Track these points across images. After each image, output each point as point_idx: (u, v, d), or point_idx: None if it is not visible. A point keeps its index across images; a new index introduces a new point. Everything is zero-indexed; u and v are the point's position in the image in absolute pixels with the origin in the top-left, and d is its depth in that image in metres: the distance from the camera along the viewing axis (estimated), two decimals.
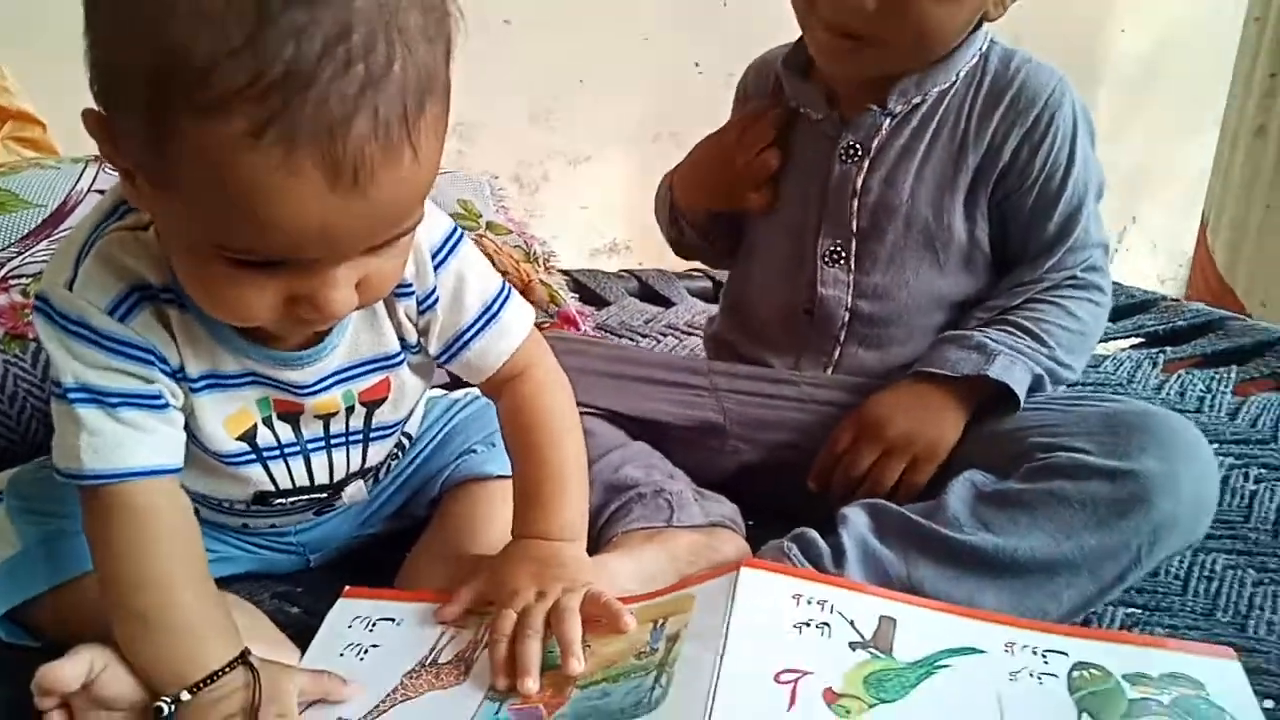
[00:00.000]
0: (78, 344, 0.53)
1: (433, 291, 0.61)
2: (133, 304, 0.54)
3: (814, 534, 0.68)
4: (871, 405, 0.78)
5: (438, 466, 0.74)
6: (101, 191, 0.92)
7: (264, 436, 0.61)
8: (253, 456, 0.62)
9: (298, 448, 0.63)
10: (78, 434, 0.53)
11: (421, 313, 0.62)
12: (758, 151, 0.83)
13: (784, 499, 0.80)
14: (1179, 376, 1.06)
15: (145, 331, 0.55)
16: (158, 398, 0.55)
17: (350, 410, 0.64)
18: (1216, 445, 0.92)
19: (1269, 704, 0.61)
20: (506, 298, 0.65)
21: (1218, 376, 1.05)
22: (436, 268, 0.61)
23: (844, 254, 0.82)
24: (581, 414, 0.75)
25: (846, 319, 0.83)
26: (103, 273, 0.54)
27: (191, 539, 0.57)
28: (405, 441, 0.73)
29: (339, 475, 0.66)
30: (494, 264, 1.05)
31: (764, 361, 0.87)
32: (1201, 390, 1.03)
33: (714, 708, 0.49)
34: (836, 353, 0.84)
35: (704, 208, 0.89)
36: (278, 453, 0.63)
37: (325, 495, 0.67)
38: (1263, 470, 0.88)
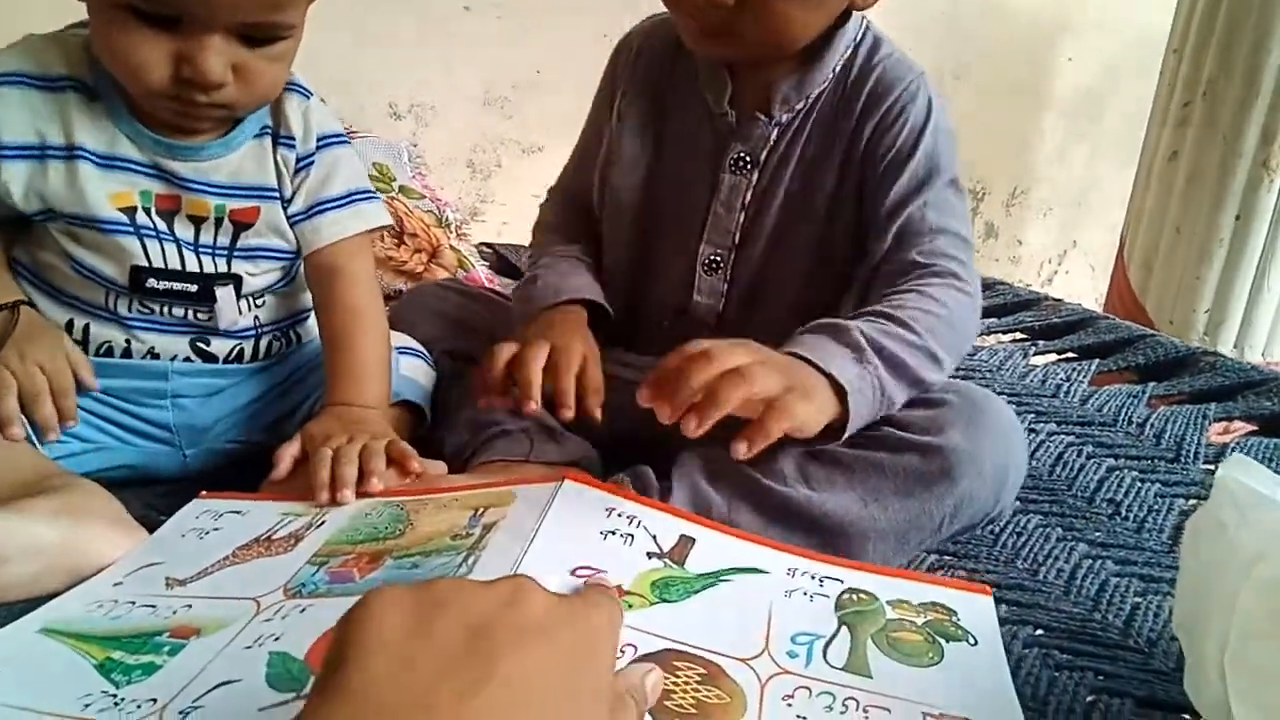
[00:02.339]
0: None
1: (310, 155, 0.76)
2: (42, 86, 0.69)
3: (648, 470, 0.71)
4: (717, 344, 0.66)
5: (307, 393, 0.80)
6: None
7: (142, 218, 0.72)
8: (130, 228, 0.72)
9: (171, 239, 0.73)
10: None
11: (296, 171, 0.76)
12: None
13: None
14: (1044, 367, 1.14)
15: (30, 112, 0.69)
16: None
17: (219, 222, 0.74)
18: (1062, 426, 1.00)
19: (1039, 632, 0.67)
20: (371, 197, 0.80)
21: (1078, 367, 1.13)
22: (319, 145, 0.77)
23: (722, 264, 0.83)
24: (453, 357, 0.83)
25: (714, 323, 0.85)
26: (21, 55, 0.70)
27: None
28: (292, 334, 0.81)
29: (207, 269, 0.75)
30: (404, 226, 1.13)
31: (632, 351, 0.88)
32: (1061, 379, 1.11)
33: None
34: None
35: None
36: (152, 233, 0.73)
37: (197, 291, 0.74)
38: (1095, 448, 0.95)
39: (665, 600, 0.56)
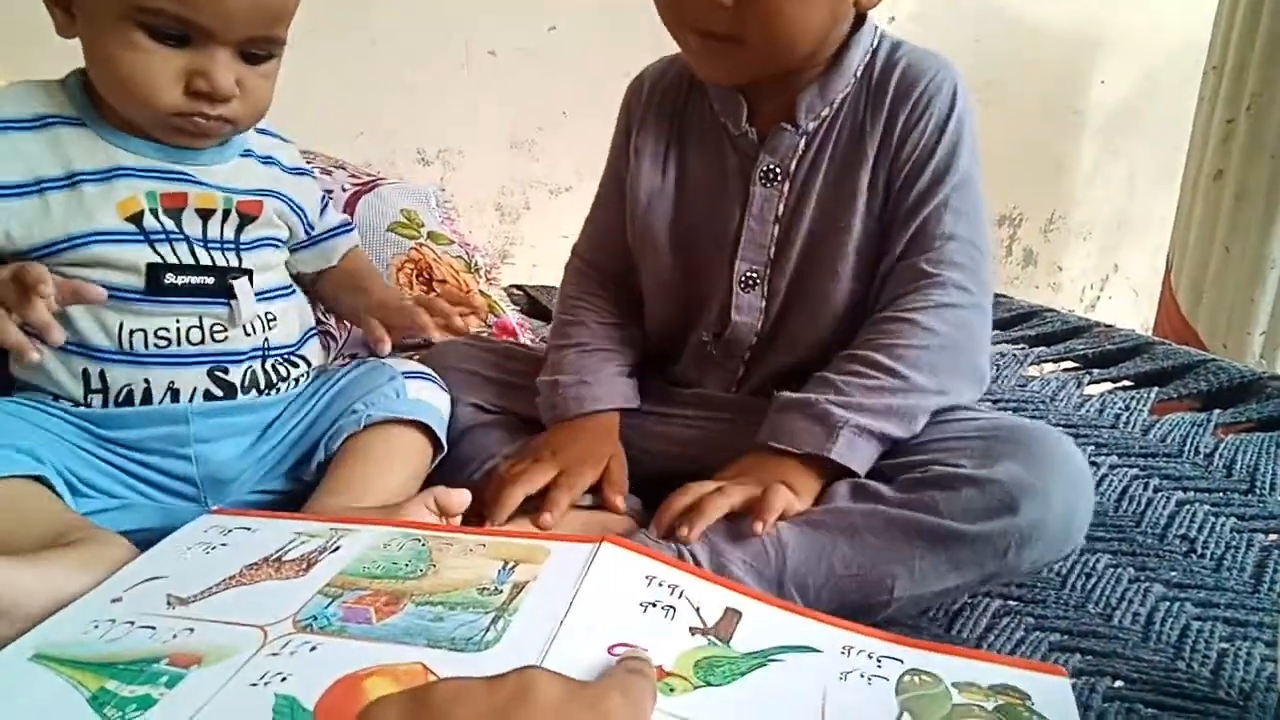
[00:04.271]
0: None
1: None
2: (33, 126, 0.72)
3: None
4: (709, 483, 0.71)
5: (323, 430, 0.79)
6: None
7: (150, 222, 0.74)
8: (139, 236, 0.73)
9: (181, 237, 0.75)
10: None
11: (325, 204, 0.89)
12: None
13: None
14: (1100, 396, 1.09)
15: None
16: None
17: (226, 215, 0.77)
18: (1124, 458, 0.95)
19: (1119, 683, 0.63)
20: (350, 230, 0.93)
21: (1137, 396, 1.08)
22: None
23: (759, 279, 0.82)
24: (481, 411, 0.85)
25: (754, 341, 0.83)
26: (8, 101, 0.73)
27: None
28: (296, 359, 0.82)
29: (220, 263, 0.77)
30: (433, 273, 1.11)
31: (669, 379, 0.88)
32: (1120, 408, 1.06)
33: (542, 665, 0.48)
34: (741, 371, 0.85)
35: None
36: (162, 236, 0.74)
37: (214, 284, 0.75)
38: (1162, 481, 0.90)
39: (709, 683, 0.52)
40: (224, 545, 0.62)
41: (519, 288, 1.46)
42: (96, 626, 0.54)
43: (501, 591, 0.55)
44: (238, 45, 0.70)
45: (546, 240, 2.00)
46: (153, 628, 0.53)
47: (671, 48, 0.81)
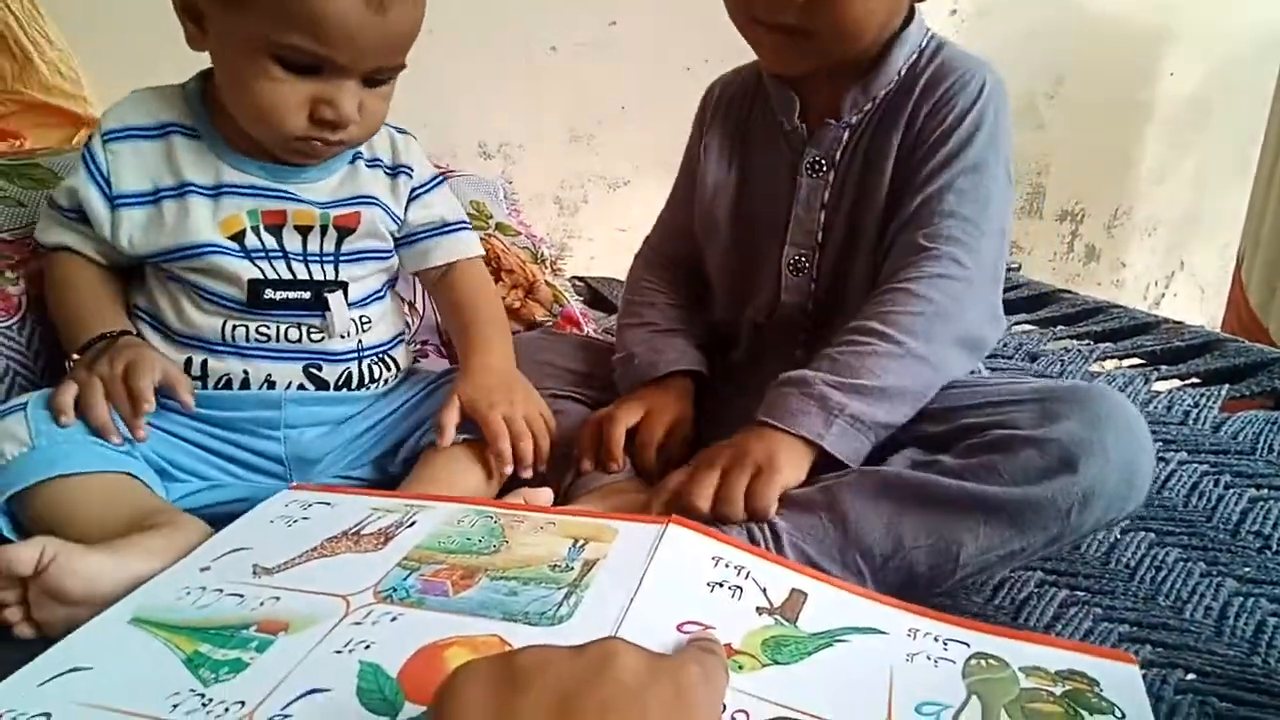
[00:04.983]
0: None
1: (429, 182, 0.86)
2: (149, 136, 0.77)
3: None
4: (708, 448, 0.75)
5: (410, 427, 0.82)
6: None
7: (251, 240, 0.77)
8: (241, 252, 0.77)
9: (280, 254, 0.78)
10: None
11: (417, 194, 0.85)
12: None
13: None
14: (1169, 393, 1.08)
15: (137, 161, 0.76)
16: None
17: (324, 230, 0.80)
18: (1194, 454, 0.94)
19: (1191, 676, 0.62)
20: (468, 227, 0.90)
21: (1207, 393, 1.06)
22: (437, 179, 0.88)
23: (807, 264, 0.86)
24: (559, 398, 0.87)
25: (804, 321, 0.87)
26: (127, 110, 0.78)
27: (101, 283, 0.80)
28: (389, 360, 0.85)
29: (317, 276, 0.80)
30: (501, 262, 1.13)
31: (730, 365, 0.91)
32: (1189, 405, 1.04)
33: None
34: (798, 353, 0.87)
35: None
36: (262, 254, 0.78)
37: (310, 298, 0.79)
38: (1234, 478, 0.88)
39: (777, 662, 0.52)
40: (305, 519, 0.65)
41: (580, 279, 1.47)
42: (189, 593, 0.56)
43: (573, 569, 0.57)
44: (364, 75, 0.73)
45: (605, 233, 2.02)
46: (241, 595, 0.55)
47: (728, 43, 0.84)
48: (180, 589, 0.57)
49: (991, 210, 0.79)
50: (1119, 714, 0.52)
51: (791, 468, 0.71)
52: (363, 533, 0.62)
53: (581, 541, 0.60)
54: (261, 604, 0.55)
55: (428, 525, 0.63)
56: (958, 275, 0.77)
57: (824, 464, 0.72)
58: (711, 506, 0.69)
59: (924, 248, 0.78)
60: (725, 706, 0.47)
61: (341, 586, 0.56)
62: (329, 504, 0.67)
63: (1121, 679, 0.54)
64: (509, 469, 0.77)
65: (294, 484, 0.72)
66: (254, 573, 0.58)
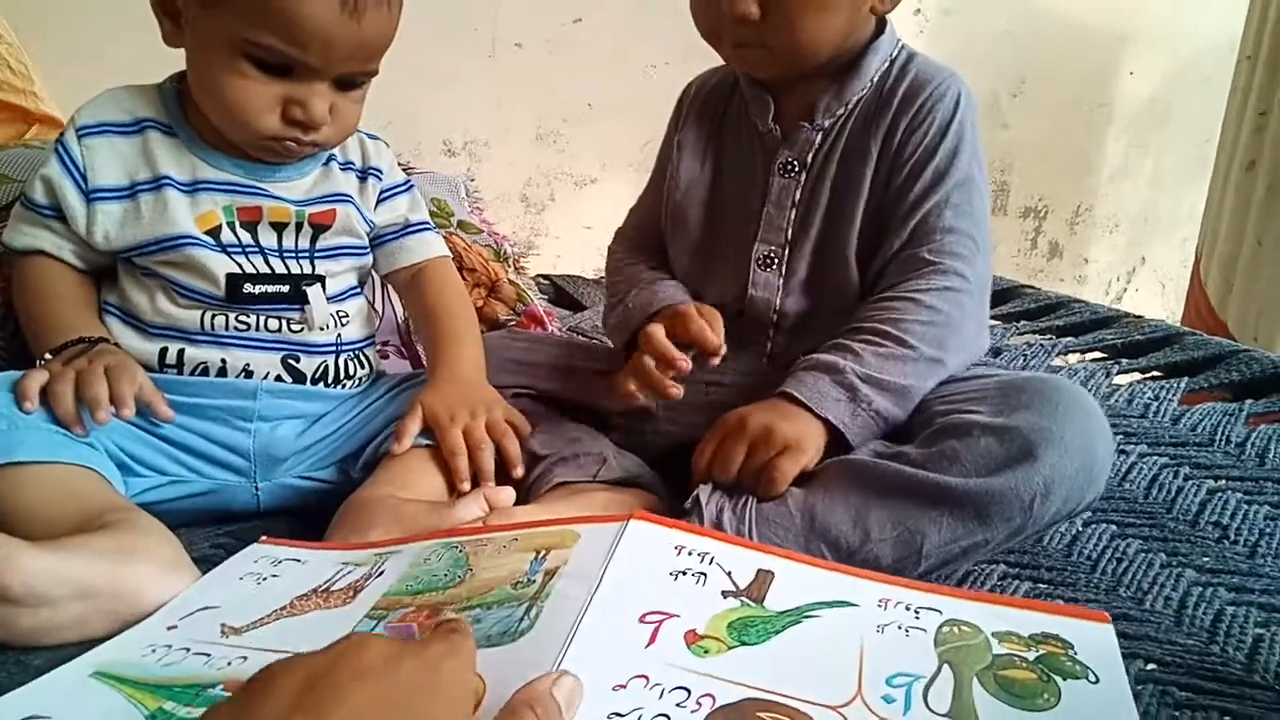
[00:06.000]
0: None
1: (398, 186, 0.88)
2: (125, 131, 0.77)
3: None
4: (734, 412, 0.76)
5: (374, 431, 0.81)
6: None
7: (227, 236, 0.77)
8: (216, 247, 0.77)
9: (256, 249, 0.78)
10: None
11: (385, 196, 0.86)
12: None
13: None
14: (1130, 386, 1.09)
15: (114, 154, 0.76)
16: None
17: (300, 227, 0.80)
18: (1154, 447, 0.95)
19: (1151, 666, 0.63)
20: (431, 228, 0.91)
21: (1166, 386, 1.07)
22: (406, 183, 0.89)
23: (776, 259, 0.88)
24: (522, 397, 0.86)
25: (774, 317, 0.88)
26: (103, 106, 0.78)
27: (76, 290, 0.78)
28: (364, 359, 0.85)
29: (294, 271, 0.80)
30: (463, 261, 1.12)
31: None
32: (1150, 398, 1.05)
33: (573, 641, 0.49)
34: (769, 346, 0.89)
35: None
36: (238, 248, 0.78)
37: (289, 292, 0.79)
38: (1193, 469, 0.89)
39: (744, 643, 0.52)
40: (275, 576, 0.63)
41: (545, 277, 1.47)
42: (154, 650, 0.55)
43: (534, 582, 0.56)
44: (336, 78, 0.74)
45: (571, 231, 2.01)
46: (208, 654, 0.54)
47: (694, 42, 0.86)
48: (146, 646, 0.56)
49: (981, 222, 0.83)
50: (1093, 678, 0.52)
51: (815, 450, 0.73)
52: (332, 589, 0.61)
53: (544, 552, 0.59)
54: (229, 664, 0.53)
55: (396, 571, 0.62)
56: (961, 288, 0.81)
57: None
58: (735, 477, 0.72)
59: (930, 262, 0.81)
60: (629, 685, 0.48)
61: (310, 644, 0.54)
62: (299, 560, 0.66)
63: (1096, 640, 0.55)
64: (466, 486, 0.75)
65: (264, 538, 0.70)
66: (222, 632, 0.57)
